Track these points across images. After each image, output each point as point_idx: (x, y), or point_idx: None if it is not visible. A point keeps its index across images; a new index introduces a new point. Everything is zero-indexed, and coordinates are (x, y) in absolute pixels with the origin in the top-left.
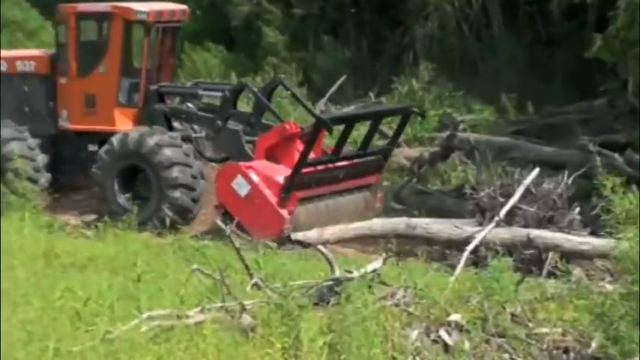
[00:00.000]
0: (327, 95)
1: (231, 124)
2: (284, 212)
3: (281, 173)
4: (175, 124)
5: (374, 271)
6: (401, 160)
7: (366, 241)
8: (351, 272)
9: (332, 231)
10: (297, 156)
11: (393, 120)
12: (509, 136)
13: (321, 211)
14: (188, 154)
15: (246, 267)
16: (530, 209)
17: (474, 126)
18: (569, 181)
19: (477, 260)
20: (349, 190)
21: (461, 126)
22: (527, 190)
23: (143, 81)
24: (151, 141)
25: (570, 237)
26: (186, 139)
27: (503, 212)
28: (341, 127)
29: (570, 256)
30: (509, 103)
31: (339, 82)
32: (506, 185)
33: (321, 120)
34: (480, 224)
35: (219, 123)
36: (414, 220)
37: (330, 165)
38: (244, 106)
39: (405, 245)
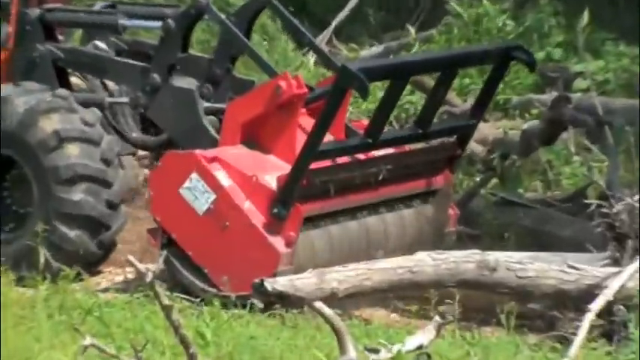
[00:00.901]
0: (332, 26)
1: (178, 80)
2: (277, 242)
3: (272, 170)
4: (74, 78)
5: (420, 348)
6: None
7: (407, 295)
8: (376, 351)
9: (343, 275)
10: (300, 139)
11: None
12: None
13: (345, 241)
14: (92, 124)
15: (183, 342)
16: None
17: (605, 83)
18: None
19: (610, 329)
20: (397, 201)
21: (580, 83)
22: None
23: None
24: (23, 105)
25: None
26: (93, 104)
27: None
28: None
29: None
30: None
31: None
32: None
33: (349, 73)
34: (617, 261)
35: (156, 77)
36: (493, 255)
37: (363, 156)
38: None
39: (476, 301)
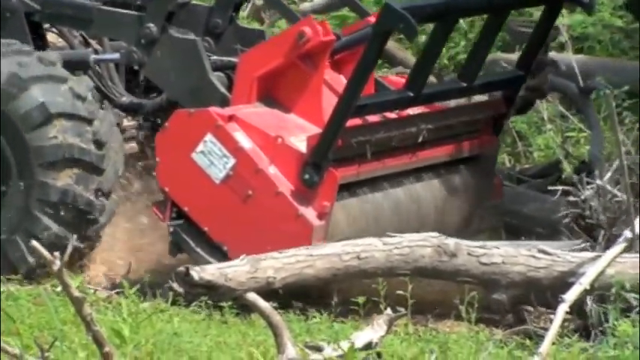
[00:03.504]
0: None
1: (177, 31)
2: (309, 213)
3: (297, 131)
4: (51, 35)
5: (369, 345)
6: None
7: (355, 283)
8: (319, 349)
9: (281, 262)
10: (326, 95)
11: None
12: None
13: (387, 212)
14: (83, 96)
15: (96, 340)
16: None
17: (583, 39)
18: None
19: (584, 324)
20: (433, 167)
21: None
22: None
23: None
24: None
25: None
26: (77, 63)
27: None
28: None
29: None
30: None
31: None
32: None
33: (394, 12)
34: (593, 248)
35: (153, 27)
36: (454, 241)
37: (403, 114)
38: None
39: (436, 291)
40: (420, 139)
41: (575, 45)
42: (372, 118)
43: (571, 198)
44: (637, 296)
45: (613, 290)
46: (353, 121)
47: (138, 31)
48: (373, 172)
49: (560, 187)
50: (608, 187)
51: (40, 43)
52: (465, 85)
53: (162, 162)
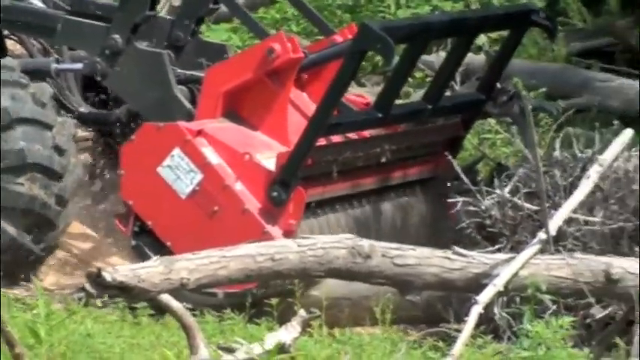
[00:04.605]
0: None
1: (142, 44)
2: (275, 231)
3: (263, 148)
4: (11, 43)
5: (281, 348)
6: None
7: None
8: (231, 350)
9: (194, 263)
10: (292, 114)
11: None
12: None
13: (347, 232)
14: (44, 102)
15: (7, 341)
16: (608, 221)
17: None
18: None
19: (496, 326)
20: (405, 185)
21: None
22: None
23: None
24: None
25: None
26: (38, 72)
27: (554, 223)
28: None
29: None
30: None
31: None
32: (565, 165)
33: (371, 32)
34: (512, 248)
35: (118, 39)
36: (369, 243)
37: (366, 134)
38: None
39: (348, 294)
40: (383, 160)
41: (493, 46)
42: (337, 138)
43: (471, 208)
44: (553, 298)
45: (529, 291)
46: (321, 140)
47: (102, 42)
48: (337, 192)
49: (460, 199)
50: (508, 196)
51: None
52: (430, 107)
53: (126, 175)
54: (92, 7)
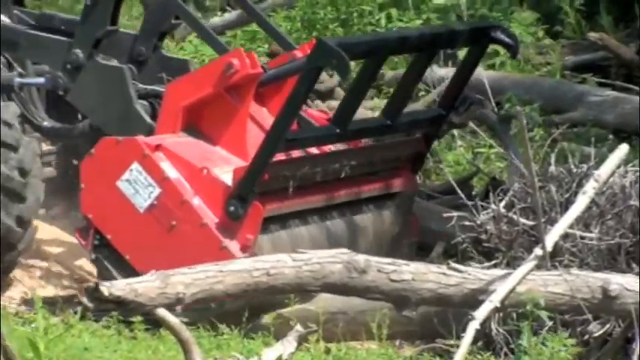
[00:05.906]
0: None
1: (103, 58)
2: (232, 246)
3: (222, 163)
4: None
5: None
6: None
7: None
8: None
9: (191, 277)
10: (252, 129)
11: None
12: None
13: (306, 247)
14: (10, 124)
15: (5, 355)
16: (605, 237)
17: (494, 55)
18: None
19: (492, 342)
20: (366, 201)
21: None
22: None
23: None
24: None
25: None
26: (2, 88)
27: (551, 239)
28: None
29: None
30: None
31: None
32: (561, 180)
33: (327, 49)
34: (508, 263)
35: (79, 53)
36: (364, 258)
37: (326, 149)
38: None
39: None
40: (342, 175)
41: (486, 61)
42: (296, 153)
43: (466, 223)
44: (550, 314)
45: (527, 307)
46: (279, 156)
47: (64, 57)
48: (295, 207)
49: (455, 214)
50: (503, 211)
51: None
52: (389, 122)
53: (86, 188)
54: (57, 22)
